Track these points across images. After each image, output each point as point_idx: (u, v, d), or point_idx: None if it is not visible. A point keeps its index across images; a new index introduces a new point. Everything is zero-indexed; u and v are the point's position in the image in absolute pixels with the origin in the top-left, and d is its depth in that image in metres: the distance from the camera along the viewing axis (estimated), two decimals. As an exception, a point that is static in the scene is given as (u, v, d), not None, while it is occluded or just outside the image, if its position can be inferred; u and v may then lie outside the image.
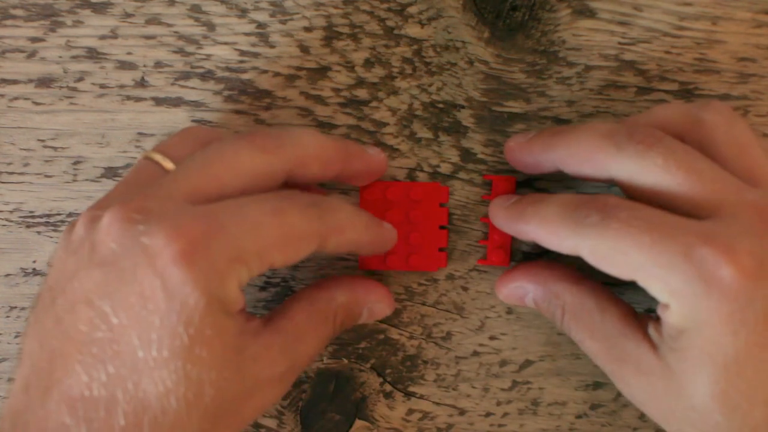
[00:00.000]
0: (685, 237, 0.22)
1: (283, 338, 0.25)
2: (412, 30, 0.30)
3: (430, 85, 0.30)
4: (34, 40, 0.30)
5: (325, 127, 0.30)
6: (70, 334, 0.22)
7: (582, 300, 0.27)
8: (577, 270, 0.28)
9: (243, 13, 0.30)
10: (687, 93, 0.30)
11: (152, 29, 0.30)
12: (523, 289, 0.29)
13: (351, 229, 0.26)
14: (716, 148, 0.25)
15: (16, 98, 0.30)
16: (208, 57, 0.30)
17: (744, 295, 0.22)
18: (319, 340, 0.27)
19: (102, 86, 0.30)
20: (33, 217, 0.31)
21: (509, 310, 0.32)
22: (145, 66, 0.30)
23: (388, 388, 0.32)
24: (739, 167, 0.24)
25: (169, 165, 0.26)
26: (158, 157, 0.26)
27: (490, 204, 0.29)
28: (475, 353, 0.32)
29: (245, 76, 0.30)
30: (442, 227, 0.31)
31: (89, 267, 0.22)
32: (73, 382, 0.21)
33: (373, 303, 0.29)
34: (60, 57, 0.30)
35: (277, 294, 0.32)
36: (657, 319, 0.24)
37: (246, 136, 0.25)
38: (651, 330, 0.25)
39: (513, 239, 0.31)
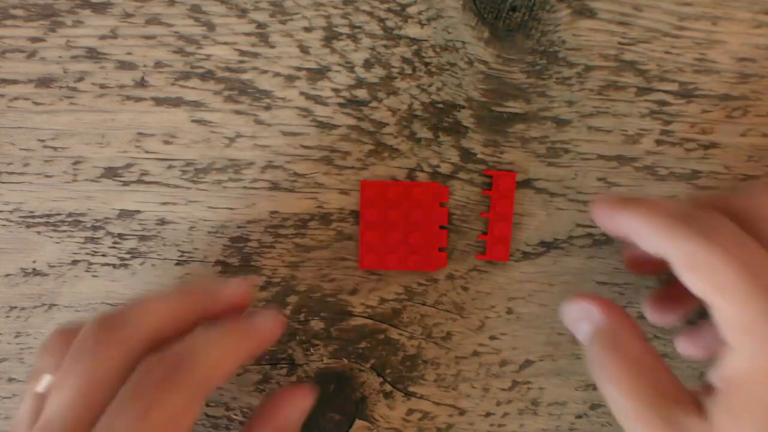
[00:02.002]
0: None
1: None
2: (412, 30, 0.30)
3: (430, 86, 0.30)
4: (34, 40, 0.30)
5: (324, 127, 0.30)
6: None
7: (641, 355, 0.25)
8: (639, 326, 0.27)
9: (243, 13, 0.30)
10: (687, 93, 0.30)
11: (152, 29, 0.30)
12: (589, 313, 0.26)
13: (224, 362, 0.25)
14: None
15: (16, 98, 0.30)
16: (208, 57, 0.30)
17: None
18: None
19: (102, 86, 0.30)
20: (33, 217, 0.31)
21: (509, 310, 0.32)
22: (145, 66, 0.30)
23: (388, 388, 0.32)
24: None
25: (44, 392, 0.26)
26: (46, 380, 0.26)
27: (593, 199, 0.28)
28: (475, 353, 0.32)
29: (245, 76, 0.30)
30: (442, 227, 0.31)
31: None
32: None
33: (290, 414, 0.29)
34: (60, 57, 0.30)
35: (278, 294, 0.32)
36: (707, 387, 0.23)
37: (94, 333, 0.25)
38: (700, 396, 0.23)
39: (512, 234, 0.31)
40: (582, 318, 0.26)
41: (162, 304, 0.26)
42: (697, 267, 0.23)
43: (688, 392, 0.24)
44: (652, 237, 0.24)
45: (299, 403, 0.29)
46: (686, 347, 0.30)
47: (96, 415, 0.24)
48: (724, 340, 0.23)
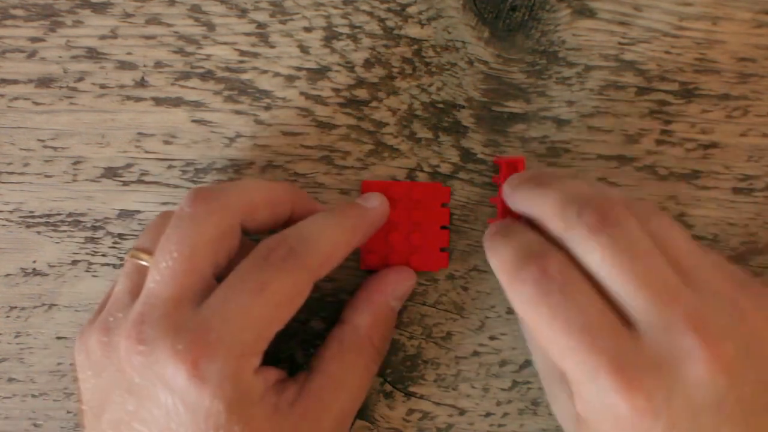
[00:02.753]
0: (613, 342, 0.22)
1: (320, 397, 0.26)
2: (412, 30, 0.30)
3: (430, 85, 0.30)
4: (34, 40, 0.30)
5: (324, 127, 0.30)
6: None
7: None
8: None
9: (243, 13, 0.30)
10: (687, 93, 0.30)
11: (152, 29, 0.30)
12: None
13: (337, 248, 0.26)
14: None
15: (16, 98, 0.30)
16: (208, 57, 0.30)
17: (648, 416, 0.21)
18: (361, 375, 0.28)
19: (102, 86, 0.30)
20: (33, 217, 0.31)
21: (509, 310, 0.32)
22: (145, 66, 0.30)
23: (388, 388, 0.32)
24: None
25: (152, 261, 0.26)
26: (142, 257, 0.26)
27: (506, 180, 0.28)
28: (475, 353, 0.32)
29: (245, 76, 0.30)
30: (443, 227, 0.31)
31: (121, 393, 0.25)
32: None
33: (395, 291, 0.29)
34: (60, 57, 0.30)
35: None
36: None
37: (191, 205, 0.25)
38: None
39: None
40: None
41: (260, 184, 0.27)
42: (537, 337, 0.24)
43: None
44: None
45: (407, 278, 0.30)
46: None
47: (198, 281, 0.25)
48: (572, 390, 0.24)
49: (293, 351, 0.33)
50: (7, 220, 0.31)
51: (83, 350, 0.26)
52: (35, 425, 0.32)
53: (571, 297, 0.23)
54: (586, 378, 0.22)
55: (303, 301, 0.25)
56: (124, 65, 0.30)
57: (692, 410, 0.22)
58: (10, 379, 0.32)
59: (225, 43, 0.30)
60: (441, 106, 0.30)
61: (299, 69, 0.30)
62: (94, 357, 0.26)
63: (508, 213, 0.29)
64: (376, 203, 0.28)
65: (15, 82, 0.30)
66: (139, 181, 0.31)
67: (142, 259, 0.26)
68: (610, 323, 0.22)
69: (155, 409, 0.24)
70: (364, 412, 0.32)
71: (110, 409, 0.25)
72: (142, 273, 0.26)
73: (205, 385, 0.23)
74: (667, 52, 0.30)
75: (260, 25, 0.30)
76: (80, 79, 0.30)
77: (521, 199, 0.26)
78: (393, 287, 0.29)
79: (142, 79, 0.30)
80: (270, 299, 0.24)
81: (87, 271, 0.32)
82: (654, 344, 0.22)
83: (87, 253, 0.31)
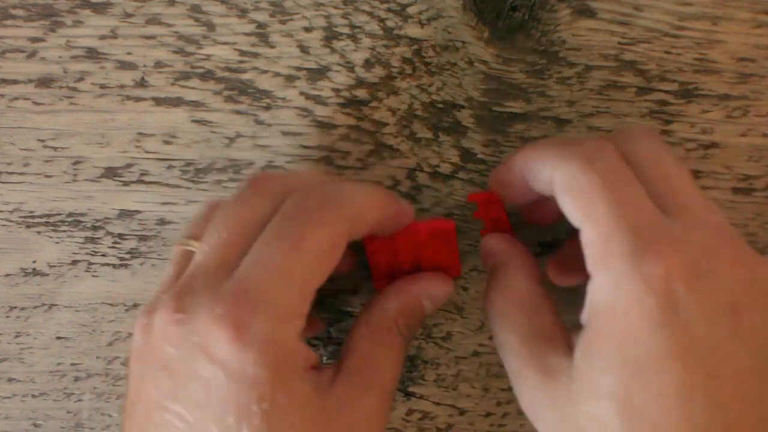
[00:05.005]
0: (644, 214, 0.22)
1: (358, 376, 0.25)
2: (412, 30, 0.30)
3: (430, 85, 0.30)
4: (34, 40, 0.30)
5: (324, 127, 0.30)
6: None
7: (526, 296, 0.26)
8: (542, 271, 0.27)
9: (243, 13, 0.30)
10: (687, 93, 0.30)
11: (152, 29, 0.30)
12: (490, 250, 0.28)
13: (371, 209, 0.25)
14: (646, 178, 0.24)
15: (16, 98, 0.30)
16: (208, 57, 0.30)
17: (669, 297, 0.21)
18: (393, 356, 0.26)
19: (102, 86, 0.30)
20: (33, 217, 0.31)
21: (509, 310, 0.32)
22: (145, 66, 0.30)
23: (388, 388, 0.32)
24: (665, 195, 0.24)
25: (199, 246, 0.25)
26: (191, 243, 0.26)
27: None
28: (475, 353, 0.32)
29: (245, 76, 0.30)
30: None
31: (154, 373, 0.23)
32: None
33: (428, 290, 0.28)
34: (60, 57, 0.30)
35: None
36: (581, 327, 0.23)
37: (249, 186, 0.25)
38: (573, 336, 0.23)
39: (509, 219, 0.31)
40: (489, 253, 0.28)
41: (315, 175, 0.27)
42: (572, 189, 0.23)
43: (565, 333, 0.24)
44: (540, 167, 0.24)
45: (444, 283, 0.28)
46: (554, 274, 0.29)
47: (241, 254, 0.23)
48: (588, 270, 0.23)
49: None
50: (7, 220, 0.31)
51: (132, 344, 0.25)
52: (35, 425, 0.32)
53: (627, 172, 0.23)
54: (626, 233, 0.21)
55: (339, 257, 0.24)
56: (124, 65, 0.30)
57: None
58: (10, 379, 0.32)
59: (225, 43, 0.30)
60: (441, 106, 0.30)
61: (299, 69, 0.30)
62: (136, 344, 0.24)
63: (495, 226, 0.29)
64: (404, 201, 0.27)
65: (15, 82, 0.30)
66: (139, 181, 0.31)
67: (189, 245, 0.25)
68: (648, 202, 0.23)
69: (192, 383, 0.22)
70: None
71: (144, 395, 0.23)
72: (189, 259, 0.25)
73: (247, 349, 0.21)
74: (667, 52, 0.30)
75: (260, 25, 0.30)
76: (80, 79, 0.30)
77: (512, 167, 0.26)
78: (428, 285, 0.28)
79: (142, 79, 0.30)
80: (308, 254, 0.23)
81: (87, 271, 0.32)
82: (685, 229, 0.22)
83: (87, 253, 0.31)
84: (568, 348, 0.23)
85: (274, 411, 0.22)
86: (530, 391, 0.24)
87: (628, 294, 0.21)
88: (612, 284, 0.22)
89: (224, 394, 0.21)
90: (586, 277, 0.29)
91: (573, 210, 0.23)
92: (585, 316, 0.23)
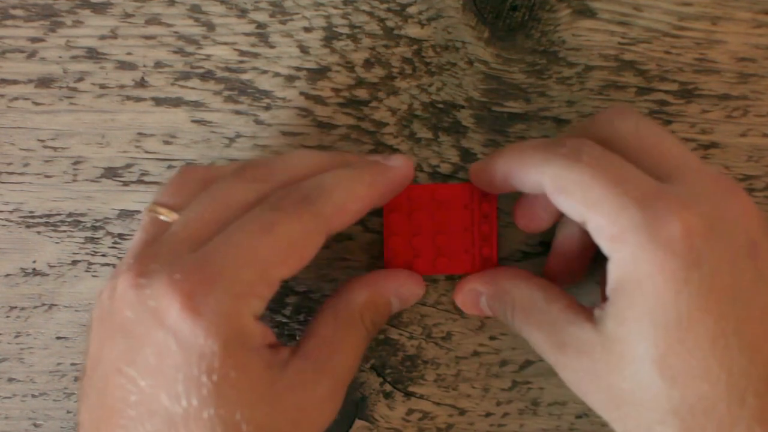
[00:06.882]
0: (645, 187, 0.23)
1: (314, 359, 0.25)
2: (412, 30, 0.30)
3: (430, 85, 0.30)
4: (34, 40, 0.30)
5: (324, 127, 0.30)
6: (109, 402, 0.23)
7: (530, 293, 0.27)
8: (526, 270, 0.28)
9: (243, 13, 0.30)
10: (687, 93, 0.30)
11: (152, 29, 0.30)
12: (475, 291, 0.29)
13: (352, 200, 0.25)
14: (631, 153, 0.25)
15: (16, 98, 0.30)
16: (208, 57, 0.30)
17: (690, 255, 0.21)
18: (352, 346, 0.27)
19: (102, 86, 0.30)
20: (33, 217, 0.31)
21: (509, 310, 0.32)
22: (145, 66, 0.30)
23: (388, 388, 0.32)
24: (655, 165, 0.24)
25: (172, 216, 0.25)
26: (161, 211, 0.26)
27: (470, 167, 0.29)
28: (475, 353, 0.32)
29: (245, 76, 0.30)
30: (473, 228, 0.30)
31: (113, 336, 0.23)
32: None
33: (398, 289, 0.28)
34: (60, 57, 0.30)
35: (277, 294, 0.32)
36: (604, 300, 0.24)
37: (236, 173, 0.26)
38: (596, 311, 0.24)
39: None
40: (472, 300, 0.29)
41: (303, 156, 0.27)
42: (566, 187, 0.23)
43: (583, 309, 0.25)
44: (524, 171, 0.25)
45: (416, 285, 0.29)
46: (522, 220, 0.29)
47: (214, 232, 0.24)
48: (605, 253, 0.23)
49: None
50: (7, 220, 0.31)
51: (97, 301, 0.25)
52: (35, 425, 0.32)
53: (613, 156, 0.24)
54: (633, 206, 0.22)
55: (314, 252, 0.24)
56: (124, 65, 0.30)
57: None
58: (10, 379, 0.32)
59: (225, 43, 0.30)
60: (441, 106, 0.30)
61: (299, 69, 0.30)
62: (99, 307, 0.24)
63: (483, 223, 0.30)
64: (398, 162, 0.27)
65: (15, 82, 0.30)
66: (139, 181, 0.31)
67: (161, 214, 0.25)
68: (650, 177, 0.23)
69: (147, 348, 0.22)
70: (363, 412, 0.32)
71: (103, 359, 0.23)
72: (160, 227, 0.25)
73: (199, 318, 0.21)
74: (667, 52, 0.30)
75: (260, 25, 0.30)
76: (80, 79, 0.30)
77: (492, 165, 0.27)
78: (399, 283, 0.28)
79: (142, 79, 0.30)
80: (276, 240, 0.23)
81: (87, 271, 0.32)
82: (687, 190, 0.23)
83: (87, 253, 0.31)
84: (592, 322, 0.24)
85: (224, 384, 0.22)
86: (572, 373, 0.25)
87: (648, 262, 0.22)
88: (632, 256, 0.22)
89: (175, 362, 0.22)
90: (583, 274, 0.29)
91: (572, 206, 0.24)
92: (610, 291, 0.23)
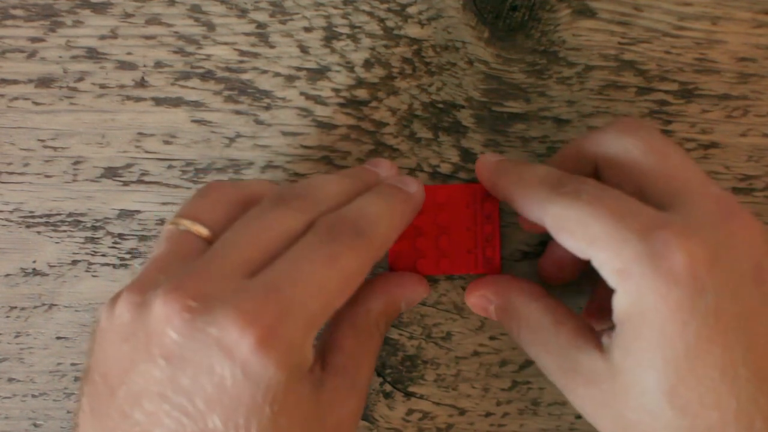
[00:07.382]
0: (646, 219, 0.23)
1: (344, 375, 0.25)
2: (412, 30, 0.30)
3: (430, 85, 0.30)
4: (34, 40, 0.30)
5: (324, 127, 0.30)
6: (146, 428, 0.22)
7: (538, 315, 0.27)
8: (539, 286, 0.28)
9: (243, 13, 0.30)
10: (687, 93, 0.30)
11: (152, 29, 0.30)
12: (486, 299, 0.29)
13: (393, 232, 0.26)
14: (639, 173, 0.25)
15: (16, 98, 0.30)
16: (208, 57, 0.30)
17: (695, 284, 0.21)
18: (373, 356, 0.27)
19: (102, 86, 0.30)
20: (33, 217, 0.31)
21: (509, 310, 0.32)
22: (145, 66, 0.30)
23: (388, 388, 0.32)
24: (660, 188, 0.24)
25: (205, 233, 0.25)
26: (194, 227, 0.25)
27: (478, 158, 0.29)
28: (475, 353, 0.32)
29: (245, 76, 0.30)
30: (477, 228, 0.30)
31: (151, 359, 0.22)
32: None
33: (409, 294, 0.29)
34: (60, 57, 0.30)
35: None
36: (612, 328, 0.24)
37: (281, 199, 0.25)
38: (604, 338, 0.24)
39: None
40: (482, 304, 0.29)
41: (335, 182, 0.27)
42: (567, 226, 0.24)
43: (592, 334, 0.25)
44: (527, 206, 0.25)
45: (423, 290, 0.29)
46: (546, 276, 0.30)
47: (264, 260, 0.23)
48: (611, 287, 0.23)
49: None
50: (7, 220, 0.31)
51: (110, 314, 0.23)
52: (35, 425, 0.32)
53: (613, 192, 0.24)
54: (635, 239, 0.22)
55: (362, 281, 0.24)
56: (124, 65, 0.30)
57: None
58: (10, 379, 0.32)
59: (225, 43, 0.30)
60: (441, 106, 0.30)
61: (299, 69, 0.30)
62: (120, 320, 0.23)
63: (485, 224, 0.30)
64: (415, 187, 0.27)
65: (15, 82, 0.30)
66: (139, 181, 0.31)
67: (192, 229, 0.25)
68: (651, 208, 0.23)
69: (203, 377, 0.21)
70: (364, 412, 0.32)
71: (132, 380, 0.22)
72: (191, 243, 0.24)
73: (272, 352, 0.21)
74: (667, 52, 0.30)
75: (260, 25, 0.30)
76: (80, 79, 0.30)
77: (495, 186, 0.27)
78: (411, 290, 0.29)
79: (142, 79, 0.30)
80: (341, 272, 0.23)
81: (87, 271, 0.32)
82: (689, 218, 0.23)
83: (87, 253, 0.31)
84: (600, 350, 0.24)
85: (282, 412, 0.22)
86: (580, 399, 0.25)
87: (653, 294, 0.22)
88: (636, 288, 0.22)
89: (239, 393, 0.21)
90: (577, 273, 0.29)
91: (575, 244, 0.24)
92: (617, 321, 0.23)
